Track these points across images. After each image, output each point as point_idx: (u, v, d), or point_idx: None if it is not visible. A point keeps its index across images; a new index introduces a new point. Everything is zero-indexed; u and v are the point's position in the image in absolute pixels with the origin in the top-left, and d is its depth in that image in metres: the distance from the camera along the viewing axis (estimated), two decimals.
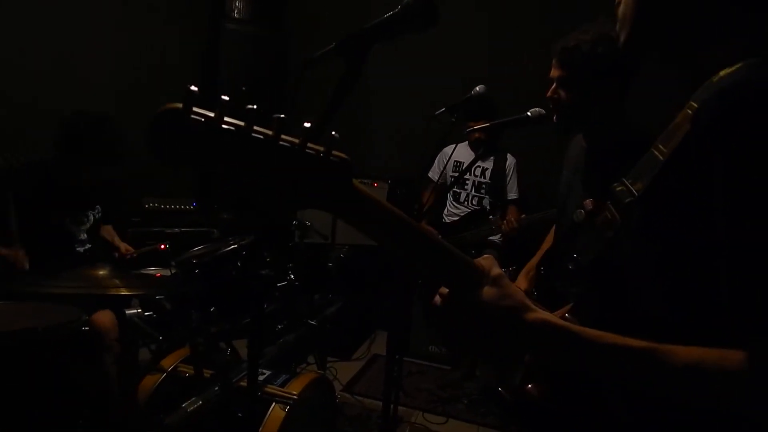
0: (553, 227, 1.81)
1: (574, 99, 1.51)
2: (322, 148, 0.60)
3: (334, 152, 0.62)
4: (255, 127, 0.58)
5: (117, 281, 1.41)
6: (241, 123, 0.58)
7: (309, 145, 0.60)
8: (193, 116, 0.55)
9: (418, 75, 4.01)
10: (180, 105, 0.55)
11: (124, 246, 2.49)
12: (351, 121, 4.18)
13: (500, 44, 3.79)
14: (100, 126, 2.20)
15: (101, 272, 1.46)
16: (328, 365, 3.07)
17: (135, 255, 2.44)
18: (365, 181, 3.79)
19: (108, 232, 2.51)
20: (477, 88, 2.12)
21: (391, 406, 2.22)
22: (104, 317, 2.11)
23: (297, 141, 0.59)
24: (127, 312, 1.46)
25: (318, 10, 4.09)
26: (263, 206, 0.63)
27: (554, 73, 1.55)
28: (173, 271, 1.99)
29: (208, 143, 0.56)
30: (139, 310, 1.48)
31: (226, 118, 0.57)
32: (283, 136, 0.59)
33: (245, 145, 0.57)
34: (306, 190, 0.60)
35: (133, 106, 3.30)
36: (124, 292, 1.35)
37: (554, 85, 1.55)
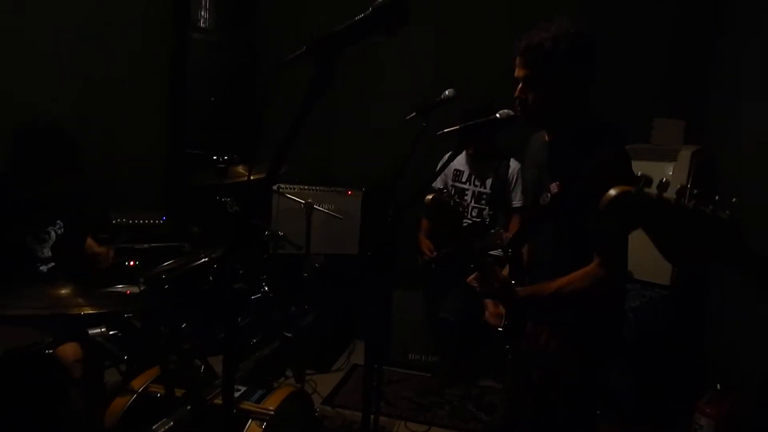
0: None
1: (542, 96, 1.55)
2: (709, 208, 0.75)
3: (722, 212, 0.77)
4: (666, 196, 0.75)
5: (81, 300, 1.35)
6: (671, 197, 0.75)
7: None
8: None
9: (388, 79, 4.01)
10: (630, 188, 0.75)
11: (100, 249, 2.38)
12: (322, 129, 4.15)
13: (471, 46, 3.81)
14: (53, 136, 2.11)
15: (63, 291, 1.39)
16: (306, 378, 3.01)
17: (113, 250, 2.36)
18: (339, 189, 3.76)
19: (90, 246, 2.39)
20: (446, 92, 2.12)
21: (372, 417, 2.18)
22: (69, 350, 2.01)
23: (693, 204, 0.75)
24: (90, 332, 1.39)
25: (286, 16, 4.05)
26: (678, 262, 0.82)
27: (519, 72, 1.58)
28: (142, 288, 1.92)
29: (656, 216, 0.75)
30: (103, 329, 1.41)
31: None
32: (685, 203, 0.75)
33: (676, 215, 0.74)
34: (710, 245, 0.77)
35: (98, 116, 3.22)
36: (88, 311, 1.28)
37: (521, 84, 1.58)
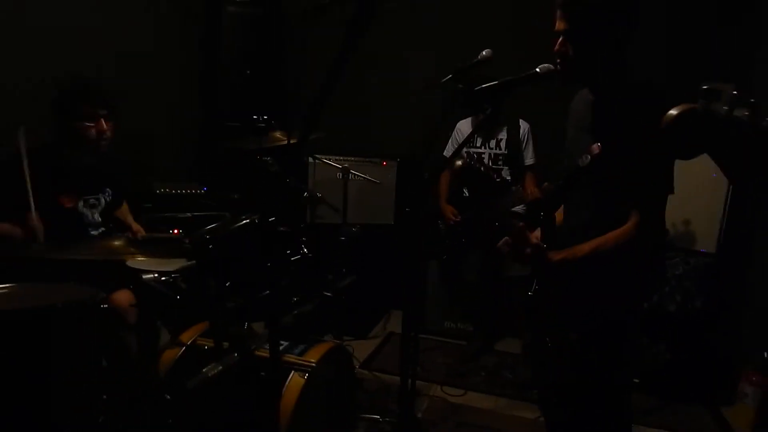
0: None
1: (582, 51, 1.52)
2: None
3: None
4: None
5: (132, 249, 1.41)
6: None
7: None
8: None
9: (424, 47, 3.97)
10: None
11: (136, 226, 2.49)
12: (356, 99, 4.16)
13: (504, 9, 3.74)
14: (75, 83, 2.21)
15: (116, 243, 1.46)
16: (344, 344, 3.07)
17: (145, 237, 2.44)
18: (374, 159, 3.77)
19: (122, 212, 2.51)
20: (483, 53, 2.09)
21: (409, 380, 2.22)
22: (123, 296, 2.12)
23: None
24: (144, 276, 1.46)
25: None
26: (743, 179, 0.77)
27: (559, 26, 1.55)
28: (187, 248, 1.98)
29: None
30: (156, 275, 1.48)
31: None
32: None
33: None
34: None
35: (133, 95, 3.31)
36: (140, 257, 1.34)
37: (561, 38, 1.54)
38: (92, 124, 2.19)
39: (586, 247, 1.50)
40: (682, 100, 2.80)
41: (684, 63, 3.34)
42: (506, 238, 1.61)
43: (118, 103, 2.28)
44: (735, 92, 0.68)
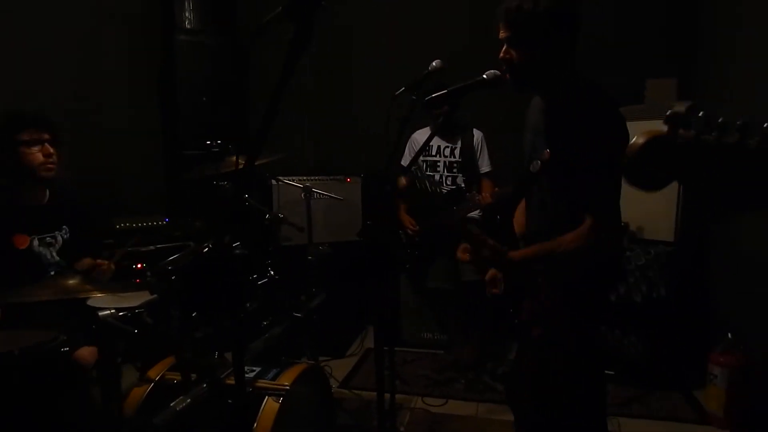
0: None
1: (525, 57, 1.57)
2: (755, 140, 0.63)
3: None
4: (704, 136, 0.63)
5: (89, 287, 1.37)
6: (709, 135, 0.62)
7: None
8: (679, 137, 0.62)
9: (371, 63, 4.02)
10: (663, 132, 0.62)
11: (100, 261, 2.41)
12: (319, 119, 4.17)
13: (453, 19, 3.82)
14: (11, 113, 2.15)
15: (71, 281, 1.42)
16: (322, 364, 3.03)
17: (114, 262, 2.37)
18: (338, 177, 3.77)
19: (83, 264, 2.41)
20: (434, 63, 2.13)
21: (388, 394, 2.20)
22: (87, 353, 2.04)
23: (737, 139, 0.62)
24: (100, 314, 1.41)
25: (269, 11, 4.07)
26: (725, 207, 0.68)
27: (502, 34, 1.61)
28: (150, 281, 1.94)
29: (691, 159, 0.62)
30: (113, 311, 1.43)
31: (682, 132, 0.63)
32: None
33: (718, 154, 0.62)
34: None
35: (89, 124, 3.24)
36: (96, 294, 1.30)
37: (504, 46, 1.60)
38: (37, 148, 2.13)
39: (545, 247, 1.56)
40: (625, 93, 2.90)
41: (629, 60, 3.48)
42: (464, 244, 1.64)
43: (60, 131, 2.22)
44: (701, 113, 0.61)
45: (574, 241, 1.52)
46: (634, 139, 0.61)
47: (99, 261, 2.33)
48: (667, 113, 0.59)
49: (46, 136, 2.16)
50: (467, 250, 1.61)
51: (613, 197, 1.53)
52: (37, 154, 2.14)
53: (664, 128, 0.60)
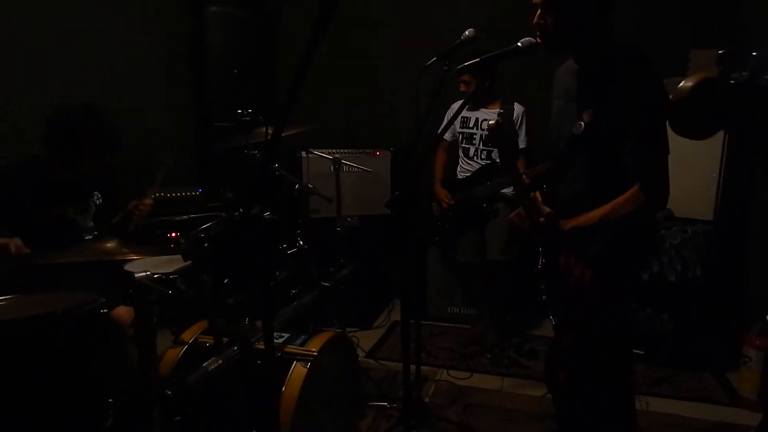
0: None
1: (560, 21, 1.52)
2: None
3: None
4: None
5: (125, 249, 1.42)
6: None
7: None
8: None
9: (404, 35, 3.96)
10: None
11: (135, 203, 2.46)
12: (349, 92, 4.15)
13: None
14: (88, 118, 2.17)
15: (109, 244, 1.46)
16: (349, 335, 3.08)
17: (150, 196, 2.44)
18: (367, 150, 3.77)
19: (121, 214, 2.48)
20: (466, 32, 2.09)
21: (413, 366, 2.22)
22: (123, 312, 2.12)
23: None
24: (136, 275, 1.46)
25: None
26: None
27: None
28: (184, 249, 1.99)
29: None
30: (148, 272, 1.48)
31: None
32: None
33: None
34: None
35: (123, 97, 3.30)
36: (132, 257, 1.35)
37: (539, 10, 1.55)
38: (93, 162, 2.19)
39: (597, 213, 1.51)
40: (668, 65, 2.78)
41: (672, 31, 3.33)
42: (518, 209, 1.63)
43: (119, 129, 2.26)
44: (755, 54, 0.57)
45: (627, 204, 1.48)
46: (682, 83, 0.59)
47: (134, 203, 2.40)
48: (719, 52, 0.56)
49: (107, 157, 2.21)
50: (520, 215, 1.60)
51: (663, 157, 1.48)
52: (96, 167, 2.21)
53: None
